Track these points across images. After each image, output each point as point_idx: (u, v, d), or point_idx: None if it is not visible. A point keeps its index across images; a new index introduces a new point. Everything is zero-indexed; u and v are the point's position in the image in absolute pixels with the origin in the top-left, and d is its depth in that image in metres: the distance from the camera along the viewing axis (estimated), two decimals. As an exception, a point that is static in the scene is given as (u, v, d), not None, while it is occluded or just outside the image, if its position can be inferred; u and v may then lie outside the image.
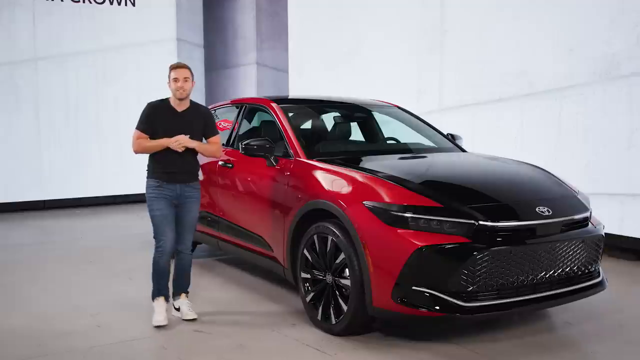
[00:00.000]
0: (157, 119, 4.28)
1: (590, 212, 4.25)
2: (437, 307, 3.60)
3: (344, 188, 4.10)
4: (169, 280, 4.40)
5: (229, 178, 5.30)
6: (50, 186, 9.49)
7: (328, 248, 4.07)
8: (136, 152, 4.37)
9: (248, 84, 11.87)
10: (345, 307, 3.94)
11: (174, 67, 4.32)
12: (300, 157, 4.64)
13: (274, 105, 5.19)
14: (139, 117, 4.34)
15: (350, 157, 4.82)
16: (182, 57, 10.54)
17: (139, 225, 8.10)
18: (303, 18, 10.07)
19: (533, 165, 4.84)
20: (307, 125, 5.54)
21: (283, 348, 3.89)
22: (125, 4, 9.93)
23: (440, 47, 7.73)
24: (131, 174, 9.50)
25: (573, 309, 4.50)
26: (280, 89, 11.41)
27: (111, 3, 9.80)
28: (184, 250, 4.45)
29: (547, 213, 3.86)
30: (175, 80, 4.25)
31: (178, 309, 4.46)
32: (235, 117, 5.73)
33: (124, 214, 9.22)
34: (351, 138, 5.53)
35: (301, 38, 10.05)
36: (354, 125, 5.69)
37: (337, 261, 4.00)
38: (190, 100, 4.39)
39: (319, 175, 4.36)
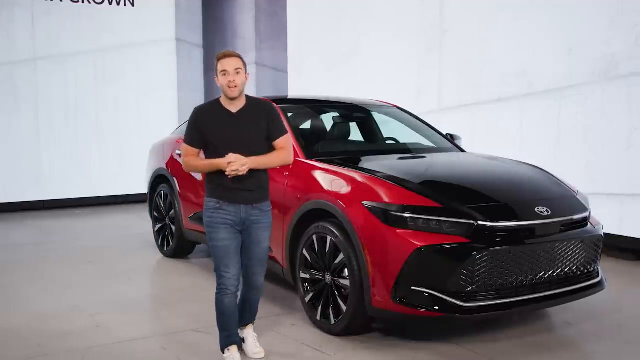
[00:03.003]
0: (207, 126, 3.41)
1: (590, 212, 4.25)
2: (437, 307, 3.61)
3: (343, 188, 4.10)
4: (237, 322, 3.64)
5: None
6: (49, 186, 9.49)
7: (327, 248, 4.07)
8: (187, 171, 3.59)
9: (247, 83, 11.86)
10: (344, 307, 3.94)
11: (220, 57, 3.40)
12: (299, 157, 4.63)
13: (273, 105, 5.19)
14: (187, 126, 3.54)
15: (349, 157, 4.82)
16: (181, 57, 10.55)
17: (139, 226, 8.10)
18: (302, 18, 10.07)
19: (532, 166, 4.85)
20: (307, 125, 5.54)
21: (282, 348, 3.89)
22: (125, 4, 9.92)
23: (440, 46, 7.74)
24: (131, 174, 9.57)
25: (572, 309, 4.50)
26: (279, 89, 11.41)
27: (110, 3, 9.80)
28: (256, 287, 3.64)
29: (546, 213, 3.87)
30: (224, 73, 3.36)
31: (242, 340, 3.75)
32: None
33: (124, 214, 9.22)
34: (350, 138, 5.53)
35: (300, 38, 10.05)
36: (353, 126, 5.69)
37: (336, 261, 4.00)
38: (247, 96, 3.52)
39: (318, 175, 4.36)
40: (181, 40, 10.58)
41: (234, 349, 3.56)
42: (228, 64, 3.37)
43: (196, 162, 3.45)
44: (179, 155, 6.11)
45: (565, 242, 3.89)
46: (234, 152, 3.34)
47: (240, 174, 3.31)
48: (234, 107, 3.46)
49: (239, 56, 3.43)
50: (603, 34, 6.07)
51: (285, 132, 3.57)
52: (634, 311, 4.68)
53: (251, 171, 3.38)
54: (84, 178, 9.70)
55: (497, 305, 3.69)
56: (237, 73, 3.37)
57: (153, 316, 4.75)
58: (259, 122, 3.46)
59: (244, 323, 3.76)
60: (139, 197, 9.55)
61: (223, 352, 3.58)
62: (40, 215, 9.04)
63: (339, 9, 9.31)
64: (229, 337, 3.56)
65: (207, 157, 3.45)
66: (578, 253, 3.97)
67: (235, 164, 3.29)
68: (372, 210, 3.80)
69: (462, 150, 5.46)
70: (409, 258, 3.59)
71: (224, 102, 3.47)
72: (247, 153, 3.36)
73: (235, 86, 3.37)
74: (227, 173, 3.31)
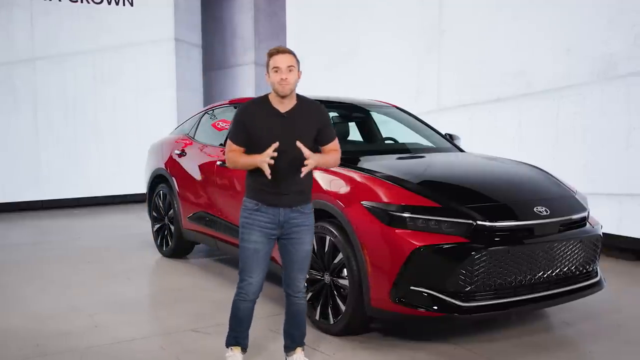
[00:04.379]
0: (253, 124, 3.24)
1: (588, 212, 4.26)
2: (435, 307, 3.61)
3: (342, 188, 4.10)
4: (249, 326, 3.51)
5: (227, 178, 5.30)
6: (48, 186, 9.48)
7: (326, 248, 4.07)
8: (229, 166, 3.41)
9: (246, 84, 11.87)
10: (343, 307, 3.94)
11: (273, 53, 3.24)
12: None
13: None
14: (232, 122, 3.39)
15: (348, 157, 4.79)
16: (180, 57, 10.54)
17: (137, 225, 8.10)
18: (301, 18, 10.07)
19: (531, 165, 4.85)
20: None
21: (281, 347, 3.87)
22: (123, 4, 9.92)
23: (439, 46, 7.74)
24: (129, 174, 9.57)
25: (571, 309, 4.50)
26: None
27: (109, 3, 9.79)
28: (295, 294, 3.41)
29: (545, 213, 3.87)
30: (276, 70, 3.19)
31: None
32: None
33: (122, 214, 9.21)
34: (349, 138, 5.53)
35: (299, 38, 10.05)
36: (352, 125, 5.69)
37: (335, 261, 4.00)
38: (298, 96, 3.34)
39: (317, 175, 4.34)
40: (180, 40, 10.58)
41: (237, 349, 3.50)
42: (281, 61, 3.20)
43: (239, 158, 3.26)
44: (178, 155, 6.12)
45: (564, 242, 3.89)
46: (281, 154, 3.14)
47: (309, 168, 3.12)
48: (284, 107, 3.27)
49: (292, 53, 3.26)
50: (602, 34, 6.08)
51: (335, 135, 3.42)
52: (634, 311, 4.68)
53: (298, 173, 3.17)
54: (82, 178, 9.69)
55: (495, 305, 3.69)
56: (290, 71, 3.21)
57: (152, 316, 4.75)
58: (309, 125, 3.29)
59: (292, 345, 3.52)
60: (137, 197, 9.55)
61: (227, 347, 3.53)
62: (38, 215, 9.03)
63: (338, 9, 9.31)
64: (236, 338, 3.49)
65: None
66: (577, 253, 3.97)
67: (307, 156, 3.08)
68: (371, 210, 3.80)
69: (461, 150, 5.46)
70: (407, 258, 3.59)
71: (273, 100, 3.28)
72: (294, 155, 3.17)
73: (287, 84, 3.20)
74: (259, 164, 3.10)
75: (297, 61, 3.27)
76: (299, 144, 3.11)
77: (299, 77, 3.28)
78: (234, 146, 3.29)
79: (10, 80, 9.11)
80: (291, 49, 3.36)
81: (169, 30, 10.38)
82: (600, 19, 6.10)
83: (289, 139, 3.18)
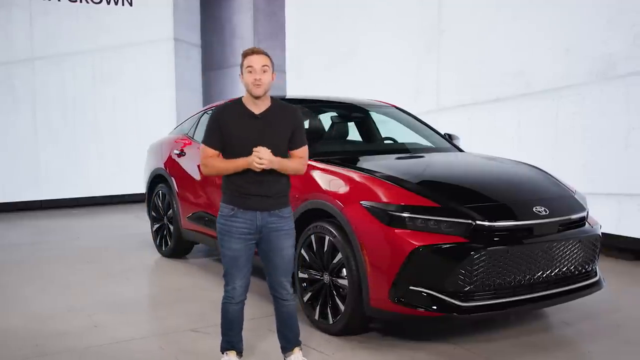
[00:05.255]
0: (228, 127, 3.23)
1: (587, 212, 4.26)
2: (435, 307, 3.61)
3: (341, 188, 4.10)
4: (241, 329, 3.50)
5: (226, 178, 5.29)
6: (47, 186, 9.48)
7: (325, 248, 4.07)
8: (207, 174, 3.42)
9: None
10: (342, 307, 3.94)
11: (248, 54, 3.22)
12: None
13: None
14: (206, 126, 3.34)
15: (347, 157, 4.81)
16: (179, 56, 10.54)
17: (135, 225, 8.09)
18: (300, 18, 10.07)
19: (530, 165, 4.85)
20: (305, 125, 5.53)
21: (279, 348, 3.87)
22: (123, 4, 9.91)
23: (438, 46, 7.74)
24: (128, 173, 9.56)
25: (570, 308, 4.50)
26: (277, 88, 11.41)
27: (108, 3, 9.79)
28: (283, 297, 3.40)
29: (544, 213, 3.87)
30: (250, 70, 3.18)
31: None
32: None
33: (121, 214, 9.21)
34: (349, 138, 5.53)
35: (299, 38, 10.05)
36: (352, 125, 5.69)
37: (335, 261, 4.00)
38: (272, 98, 3.33)
39: (316, 175, 4.35)
40: (179, 40, 10.58)
41: (232, 353, 3.48)
42: (255, 61, 3.18)
43: (219, 163, 3.23)
44: (177, 155, 6.12)
45: (563, 241, 3.89)
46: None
47: (264, 167, 3.13)
48: (257, 109, 3.25)
49: (266, 54, 3.25)
50: (601, 34, 6.08)
51: (306, 142, 3.39)
52: (633, 311, 4.68)
53: (273, 175, 3.21)
54: (81, 178, 9.70)
55: (495, 304, 3.69)
56: (264, 71, 3.19)
57: (151, 316, 4.75)
58: (283, 127, 3.27)
59: (289, 346, 3.51)
60: (136, 197, 9.55)
61: (222, 353, 3.52)
62: (37, 215, 9.03)
63: (338, 8, 9.31)
64: (229, 342, 3.48)
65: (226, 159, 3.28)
66: (576, 253, 3.97)
67: (263, 154, 3.11)
68: (371, 210, 3.80)
69: (461, 150, 5.46)
70: (407, 258, 3.59)
71: (246, 102, 3.27)
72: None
73: (260, 84, 3.17)
74: (255, 163, 3.11)
75: (272, 62, 3.26)
76: (256, 149, 3.12)
77: (273, 79, 3.26)
78: (210, 151, 3.25)
79: (9, 80, 9.12)
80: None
81: (168, 30, 10.38)
82: (599, 19, 6.10)
83: (263, 140, 3.18)
